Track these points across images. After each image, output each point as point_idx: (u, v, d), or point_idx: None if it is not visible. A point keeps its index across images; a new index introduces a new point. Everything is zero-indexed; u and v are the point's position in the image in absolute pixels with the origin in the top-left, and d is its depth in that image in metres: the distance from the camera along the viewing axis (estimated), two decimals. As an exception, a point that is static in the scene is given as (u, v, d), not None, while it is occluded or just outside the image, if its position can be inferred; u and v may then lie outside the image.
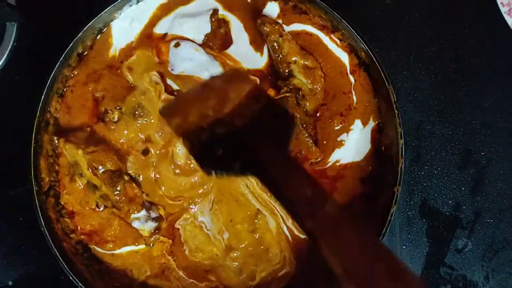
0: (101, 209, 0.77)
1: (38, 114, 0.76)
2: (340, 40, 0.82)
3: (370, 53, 0.77)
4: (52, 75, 0.77)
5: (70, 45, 0.78)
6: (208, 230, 0.80)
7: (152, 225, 0.78)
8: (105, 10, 0.79)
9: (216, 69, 0.80)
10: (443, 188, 0.91)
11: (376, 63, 0.77)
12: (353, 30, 0.78)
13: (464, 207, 0.90)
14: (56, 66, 0.78)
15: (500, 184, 0.90)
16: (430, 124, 0.92)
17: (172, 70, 0.80)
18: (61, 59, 0.78)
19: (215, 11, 0.83)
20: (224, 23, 0.83)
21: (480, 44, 0.92)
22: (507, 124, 0.91)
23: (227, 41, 0.83)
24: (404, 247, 0.89)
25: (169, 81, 0.81)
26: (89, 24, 0.79)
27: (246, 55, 0.83)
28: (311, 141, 0.79)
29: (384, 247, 0.57)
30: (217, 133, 0.63)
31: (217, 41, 0.83)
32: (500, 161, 0.91)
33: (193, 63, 0.80)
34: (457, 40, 0.93)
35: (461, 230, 0.90)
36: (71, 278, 0.72)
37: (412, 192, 0.90)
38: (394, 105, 0.76)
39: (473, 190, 0.91)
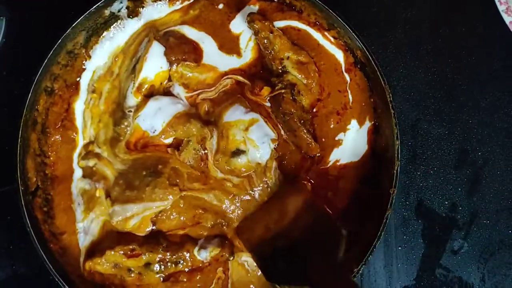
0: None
1: (25, 112, 0.74)
2: (335, 38, 0.81)
3: (366, 52, 0.76)
4: (40, 72, 0.75)
5: (59, 42, 0.76)
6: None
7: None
8: (94, 7, 0.77)
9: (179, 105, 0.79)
10: (439, 189, 0.90)
11: (372, 62, 0.75)
12: (349, 28, 0.76)
13: (460, 208, 0.89)
14: (44, 63, 0.76)
15: (497, 185, 0.90)
16: (426, 123, 0.91)
17: (154, 132, 0.78)
18: (49, 55, 0.76)
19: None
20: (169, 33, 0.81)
21: (477, 43, 0.91)
22: (504, 124, 0.91)
23: (198, 52, 0.81)
24: (399, 248, 0.89)
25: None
26: (78, 20, 0.77)
27: (222, 60, 0.82)
28: (310, 137, 0.78)
29: None
30: (278, 246, 0.70)
31: (177, 50, 0.80)
32: (497, 162, 0.90)
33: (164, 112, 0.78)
34: (454, 38, 0.92)
35: (457, 231, 0.89)
36: (57, 279, 0.70)
37: (408, 192, 0.90)
38: (390, 105, 0.74)
39: (469, 190, 0.90)
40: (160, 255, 0.74)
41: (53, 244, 0.75)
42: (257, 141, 0.77)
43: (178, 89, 0.81)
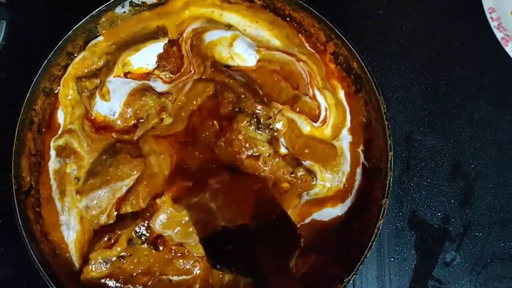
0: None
1: (22, 111, 0.74)
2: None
3: (363, 63, 0.76)
4: (39, 72, 0.76)
5: (59, 44, 0.77)
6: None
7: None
8: (96, 10, 0.78)
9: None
10: (432, 200, 0.90)
11: (368, 74, 0.76)
12: (346, 40, 0.77)
13: (453, 220, 0.90)
14: (44, 64, 0.76)
15: (489, 197, 0.90)
16: (420, 134, 0.92)
17: (114, 115, 0.79)
18: (49, 57, 0.76)
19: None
20: (174, 42, 0.82)
21: (470, 57, 0.93)
22: (496, 137, 0.92)
23: (181, 61, 0.82)
24: (392, 259, 0.88)
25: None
26: (79, 23, 0.78)
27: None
28: (310, 177, 0.78)
29: None
30: (231, 229, 0.67)
31: (171, 60, 0.81)
32: (490, 174, 0.91)
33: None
34: (448, 52, 0.93)
35: (450, 243, 0.89)
36: (45, 280, 0.70)
37: (401, 203, 0.90)
38: (385, 116, 0.75)
39: (462, 202, 0.90)
40: (133, 226, 0.73)
41: (44, 245, 0.74)
42: (243, 54, 0.79)
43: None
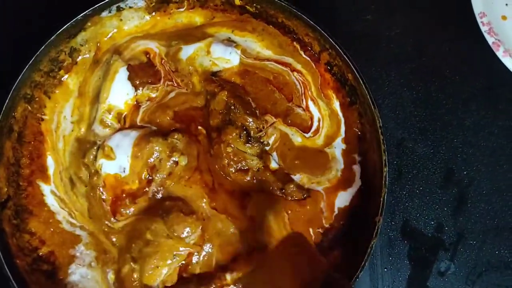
0: None
1: (0, 118, 0.72)
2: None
3: (357, 75, 0.74)
4: (19, 79, 0.73)
5: (41, 49, 0.75)
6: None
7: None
8: (80, 15, 0.76)
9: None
10: (425, 208, 0.88)
11: (363, 86, 0.74)
12: (341, 50, 0.75)
13: (446, 228, 0.88)
14: (24, 70, 0.74)
15: (483, 204, 0.89)
16: (412, 142, 0.90)
17: (124, 171, 0.75)
18: (30, 62, 0.74)
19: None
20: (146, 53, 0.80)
21: (461, 62, 0.92)
22: (488, 143, 0.90)
23: (153, 69, 0.80)
24: (385, 269, 0.86)
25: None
26: (62, 28, 0.75)
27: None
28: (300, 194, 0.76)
29: None
30: None
31: (143, 73, 0.78)
32: (482, 181, 0.89)
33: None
34: (438, 57, 0.92)
35: (444, 252, 0.87)
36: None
37: (394, 212, 0.88)
38: (380, 130, 0.72)
39: (455, 210, 0.89)
40: None
41: (20, 260, 0.71)
42: (224, 56, 0.77)
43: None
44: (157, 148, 0.73)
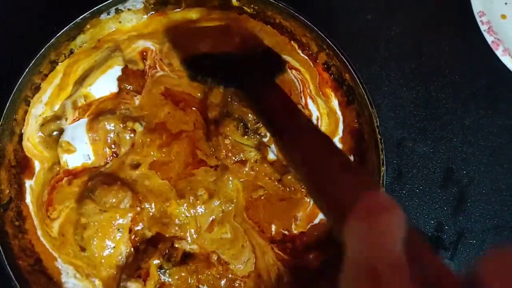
0: None
1: (1, 121, 0.72)
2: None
3: (355, 76, 0.74)
4: (20, 81, 0.74)
5: (41, 51, 0.75)
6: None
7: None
8: (80, 17, 0.76)
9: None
10: (425, 208, 0.88)
11: (361, 86, 0.74)
12: (338, 51, 0.75)
13: (446, 227, 0.88)
14: (25, 72, 0.74)
15: (483, 204, 0.89)
16: (411, 141, 0.90)
17: (89, 158, 0.77)
18: (30, 65, 0.74)
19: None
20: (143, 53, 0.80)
21: (460, 62, 0.92)
22: (488, 142, 0.90)
23: (143, 79, 0.80)
24: (385, 269, 0.86)
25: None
26: (63, 30, 0.76)
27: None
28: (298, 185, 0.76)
29: (339, 149, 0.66)
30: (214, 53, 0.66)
31: (132, 80, 0.79)
32: (482, 180, 0.89)
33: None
34: (437, 57, 0.92)
35: (444, 251, 0.87)
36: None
37: (394, 211, 0.88)
38: (377, 130, 0.73)
39: (455, 209, 0.88)
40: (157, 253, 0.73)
41: (22, 261, 0.72)
42: None
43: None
44: (108, 124, 0.75)
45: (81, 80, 0.78)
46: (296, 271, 0.75)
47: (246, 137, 0.75)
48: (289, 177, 0.75)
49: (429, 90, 0.91)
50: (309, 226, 0.77)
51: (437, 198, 0.89)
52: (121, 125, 0.75)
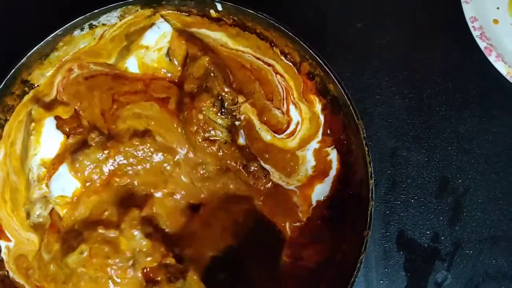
0: None
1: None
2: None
3: (339, 86, 0.71)
4: (-11, 103, 0.70)
5: (13, 71, 0.71)
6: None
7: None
8: (52, 35, 0.72)
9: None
10: (420, 218, 0.87)
11: (345, 96, 0.70)
12: (320, 60, 0.71)
13: (442, 238, 0.86)
14: (-4, 94, 0.70)
15: (479, 213, 0.87)
16: (405, 150, 0.88)
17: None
18: (1, 86, 0.70)
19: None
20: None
21: (453, 68, 0.90)
22: (483, 150, 0.89)
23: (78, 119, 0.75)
24: (381, 281, 0.85)
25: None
26: (34, 49, 0.71)
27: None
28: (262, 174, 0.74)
29: None
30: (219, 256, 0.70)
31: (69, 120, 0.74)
32: (478, 189, 0.88)
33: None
34: (430, 64, 0.90)
35: (440, 263, 0.86)
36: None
37: (388, 223, 0.86)
38: (364, 142, 0.69)
39: (451, 219, 0.87)
40: None
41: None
42: (157, 35, 0.75)
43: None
44: (87, 160, 0.71)
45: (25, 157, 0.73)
46: (295, 270, 0.74)
47: (220, 115, 0.73)
48: (255, 164, 0.74)
49: (422, 98, 0.90)
50: (311, 210, 0.75)
51: (432, 208, 0.87)
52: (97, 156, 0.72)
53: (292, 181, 0.75)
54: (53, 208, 0.72)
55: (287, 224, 0.74)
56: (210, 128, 0.72)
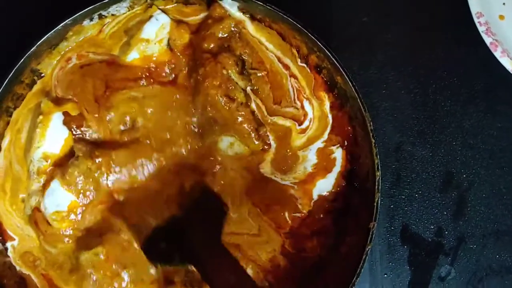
0: None
1: (-18, 136, 0.68)
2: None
3: (346, 77, 0.71)
4: (0, 91, 0.70)
5: (22, 60, 0.70)
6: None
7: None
8: (61, 24, 0.72)
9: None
10: (424, 213, 0.87)
11: (353, 88, 0.71)
12: (328, 52, 0.72)
13: (446, 232, 0.87)
14: (5, 83, 0.70)
15: (483, 208, 0.87)
16: (410, 145, 0.89)
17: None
18: (10, 76, 0.70)
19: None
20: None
21: (459, 64, 0.90)
22: (487, 145, 0.89)
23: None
24: (385, 275, 0.85)
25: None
26: (43, 38, 0.71)
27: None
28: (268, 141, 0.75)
29: None
30: (161, 225, 0.70)
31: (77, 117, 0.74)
32: (482, 184, 0.88)
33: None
34: (435, 59, 0.90)
35: (444, 257, 0.86)
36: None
37: (393, 217, 0.86)
38: (371, 133, 0.69)
39: (455, 214, 0.87)
40: None
41: (7, 280, 0.69)
42: (156, 27, 0.75)
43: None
44: (78, 169, 0.71)
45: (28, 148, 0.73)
46: (297, 262, 0.74)
47: (241, 75, 0.74)
48: (265, 129, 0.75)
49: (427, 93, 0.90)
50: (312, 203, 0.75)
51: (436, 203, 0.87)
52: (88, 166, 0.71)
53: (287, 177, 0.76)
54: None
55: (286, 214, 0.75)
56: (232, 86, 0.73)
